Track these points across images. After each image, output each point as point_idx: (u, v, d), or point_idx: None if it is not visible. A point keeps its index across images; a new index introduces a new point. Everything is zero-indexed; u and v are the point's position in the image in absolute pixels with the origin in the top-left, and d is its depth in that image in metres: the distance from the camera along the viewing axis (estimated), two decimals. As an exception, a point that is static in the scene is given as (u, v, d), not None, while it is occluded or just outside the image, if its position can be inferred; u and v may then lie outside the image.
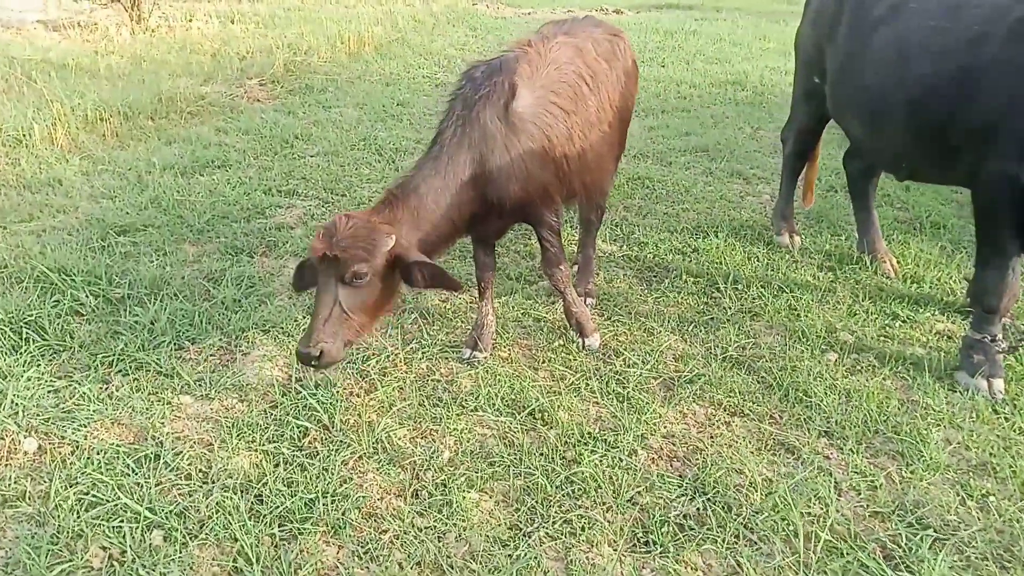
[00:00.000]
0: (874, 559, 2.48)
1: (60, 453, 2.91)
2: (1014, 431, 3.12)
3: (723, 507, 2.71)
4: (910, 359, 3.63)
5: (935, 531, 2.61)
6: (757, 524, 2.63)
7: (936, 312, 4.08)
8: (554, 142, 3.26)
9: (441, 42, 13.58)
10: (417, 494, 2.78)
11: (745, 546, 2.55)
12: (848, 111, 4.04)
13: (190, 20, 14.42)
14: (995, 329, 3.43)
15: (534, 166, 3.20)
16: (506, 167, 3.11)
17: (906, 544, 2.56)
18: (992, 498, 2.76)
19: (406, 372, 3.52)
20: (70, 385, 3.30)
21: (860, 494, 2.80)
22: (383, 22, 14.72)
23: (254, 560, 2.43)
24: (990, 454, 2.98)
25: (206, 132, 7.33)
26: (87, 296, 3.93)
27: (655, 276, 4.51)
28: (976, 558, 2.52)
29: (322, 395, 3.27)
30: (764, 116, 8.48)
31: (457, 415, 3.21)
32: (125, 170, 6.09)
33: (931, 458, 2.94)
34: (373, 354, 3.62)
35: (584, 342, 3.72)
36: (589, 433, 3.08)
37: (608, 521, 2.65)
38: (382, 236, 2.88)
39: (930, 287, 4.35)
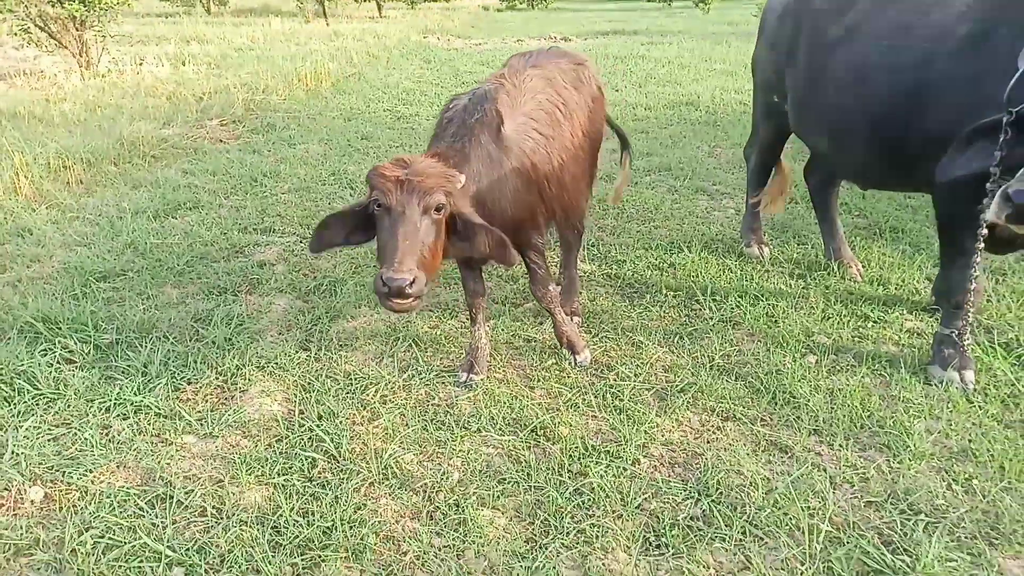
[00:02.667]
0: (874, 546, 2.62)
1: (68, 500, 2.90)
2: (988, 418, 3.32)
3: (728, 507, 2.83)
4: (885, 357, 3.83)
5: (926, 515, 2.77)
6: (761, 521, 2.76)
7: (904, 311, 4.31)
8: (537, 165, 3.41)
9: (397, 75, 13.76)
10: (431, 515, 2.84)
11: (752, 542, 2.67)
12: (812, 128, 4.27)
13: (140, 64, 14.35)
14: (963, 323, 3.64)
15: (521, 187, 3.34)
16: (499, 186, 3.25)
17: (901, 530, 2.71)
18: (975, 481, 2.93)
19: (406, 399, 3.58)
20: (70, 432, 3.28)
21: (853, 486, 2.95)
22: (337, 58, 14.87)
23: (280, 590, 2.46)
24: (969, 440, 3.17)
25: (172, 175, 7.32)
26: (76, 343, 3.91)
27: (636, 292, 4.66)
28: (966, 537, 2.67)
29: (327, 426, 3.32)
30: (720, 135, 8.81)
31: (461, 437, 3.28)
32: (96, 216, 6.06)
33: (916, 448, 3.12)
34: (371, 383, 3.67)
35: (576, 359, 3.84)
36: (592, 446, 3.18)
37: (620, 528, 2.75)
38: (455, 173, 2.91)
39: (896, 288, 4.59)
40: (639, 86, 12.13)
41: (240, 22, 23.65)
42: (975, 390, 3.52)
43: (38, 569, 2.58)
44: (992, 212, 2.78)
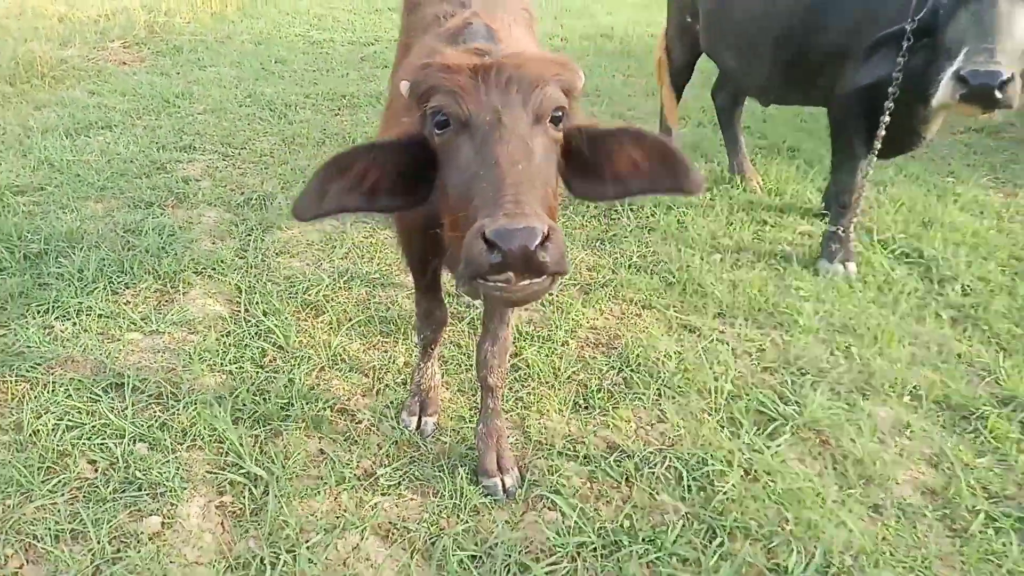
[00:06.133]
0: (769, 399, 3.05)
1: (19, 390, 2.97)
2: (866, 301, 3.81)
3: (645, 375, 3.19)
4: (780, 254, 4.27)
5: (812, 376, 3.22)
6: (674, 384, 3.14)
7: (798, 217, 4.77)
8: None
9: (307, 1, 13.31)
10: (381, 392, 3.08)
11: (667, 400, 3.05)
12: (721, 46, 4.60)
13: (21, -17, 13.29)
14: (847, 221, 4.10)
15: None
16: None
17: (791, 387, 3.15)
18: (853, 349, 3.41)
19: (347, 297, 3.76)
20: (10, 332, 3.31)
21: (752, 356, 3.38)
22: (243, -18, 14.19)
23: (244, 454, 2.65)
24: (850, 318, 3.64)
25: (79, 95, 7.02)
26: (3, 252, 3.86)
27: (560, 204, 4.92)
28: (844, 391, 3.14)
29: (273, 321, 3.47)
30: (633, 64, 9.10)
31: (404, 329, 3.50)
32: (-1, 134, 5.80)
33: (804, 325, 3.57)
34: (312, 285, 3.82)
35: (499, 483, 2.61)
36: (526, 332, 3.48)
37: (553, 395, 3.07)
38: (571, 63, 1.88)
39: (791, 198, 5.05)
40: (554, 18, 12.22)
41: (129, -58, 21.98)
42: (856, 278, 4.01)
43: None
44: (944, 94, 3.05)
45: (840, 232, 4.10)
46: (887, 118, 3.44)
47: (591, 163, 1.89)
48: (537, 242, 1.48)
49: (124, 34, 9.63)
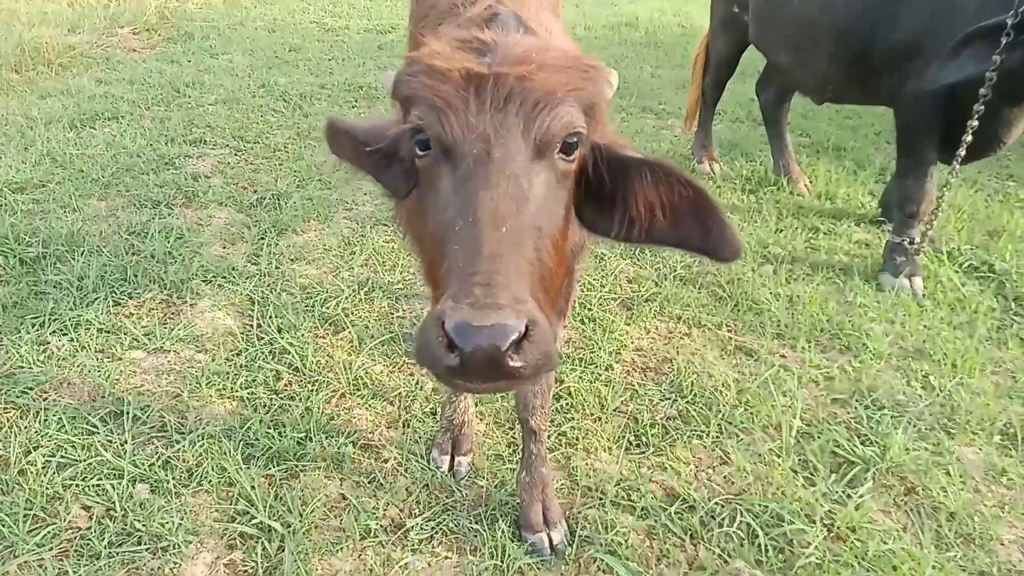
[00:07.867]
0: (844, 438, 2.71)
1: (7, 418, 2.67)
2: (937, 321, 3.46)
3: (703, 407, 2.86)
4: (838, 266, 3.93)
5: (890, 410, 2.88)
6: (736, 418, 2.81)
7: (852, 224, 4.41)
8: None
9: (322, -13, 12.95)
10: (408, 424, 2.77)
11: (729, 439, 2.72)
12: (773, 39, 4.23)
13: (31, -34, 13.01)
14: (914, 233, 3.75)
15: None
16: None
17: (868, 424, 2.81)
18: (931, 378, 3.06)
19: (368, 311, 3.44)
20: (1, 349, 3.01)
21: (819, 385, 3.04)
22: (256, -33, 13.86)
23: (257, 500, 2.35)
24: (923, 341, 3.30)
25: (85, 84, 6.71)
26: (-3, 257, 3.57)
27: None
28: (926, 428, 2.80)
29: (288, 339, 3.16)
30: (661, 55, 8.71)
31: (430, 347, 3.18)
32: (1, 126, 5.50)
33: (875, 349, 3.22)
34: (330, 296, 3.51)
35: (547, 539, 2.30)
36: (565, 354, 3.15)
37: (600, 429, 2.75)
38: (600, 65, 1.52)
39: (843, 203, 4.69)
40: (575, 6, 11.83)
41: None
42: (924, 295, 3.66)
43: (-17, 490, 2.38)
44: None
45: (906, 244, 3.75)
46: (975, 122, 3.08)
47: (606, 193, 1.50)
48: (508, 343, 1.14)
49: (134, 20, 9.32)
